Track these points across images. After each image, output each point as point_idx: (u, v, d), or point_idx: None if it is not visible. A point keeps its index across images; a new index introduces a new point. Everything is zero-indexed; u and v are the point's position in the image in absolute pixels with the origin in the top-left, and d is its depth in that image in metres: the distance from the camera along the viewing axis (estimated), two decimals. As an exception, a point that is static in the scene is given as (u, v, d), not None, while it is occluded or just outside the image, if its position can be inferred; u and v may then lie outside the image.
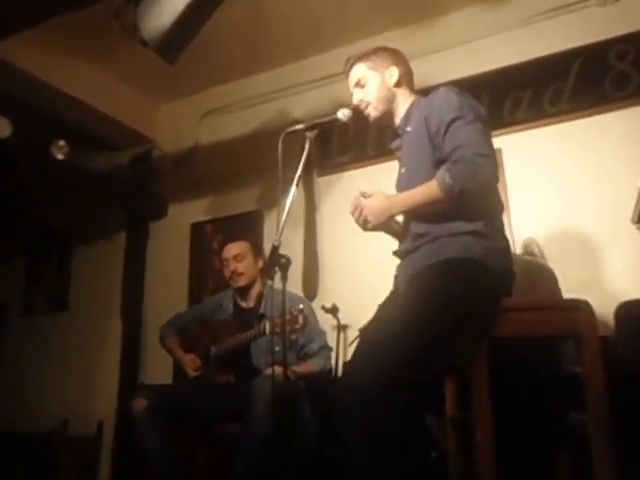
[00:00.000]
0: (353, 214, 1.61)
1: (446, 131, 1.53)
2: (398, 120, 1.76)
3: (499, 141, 2.68)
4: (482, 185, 1.47)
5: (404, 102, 1.75)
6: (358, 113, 1.78)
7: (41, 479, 3.22)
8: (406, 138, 1.72)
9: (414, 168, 1.67)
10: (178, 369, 2.72)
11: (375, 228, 1.60)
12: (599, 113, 2.60)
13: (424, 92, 1.74)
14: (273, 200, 3.13)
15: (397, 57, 1.79)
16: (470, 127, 1.51)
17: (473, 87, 2.74)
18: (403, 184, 1.71)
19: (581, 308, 1.58)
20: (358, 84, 1.77)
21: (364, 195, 1.61)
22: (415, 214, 1.59)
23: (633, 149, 2.48)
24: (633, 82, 2.55)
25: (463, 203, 1.48)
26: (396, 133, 1.79)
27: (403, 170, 1.74)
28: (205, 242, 3.45)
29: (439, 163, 1.56)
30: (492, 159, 1.50)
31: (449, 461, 1.85)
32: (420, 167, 1.62)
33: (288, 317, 2.10)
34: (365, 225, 1.58)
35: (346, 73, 1.81)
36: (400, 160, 1.78)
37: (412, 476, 1.32)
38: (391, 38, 3.01)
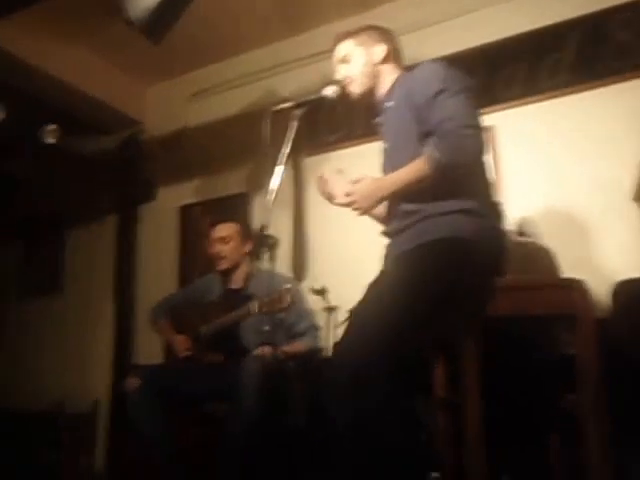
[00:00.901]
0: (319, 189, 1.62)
1: (431, 104, 1.50)
2: (382, 94, 1.72)
3: (493, 118, 2.63)
4: (470, 157, 1.45)
5: (389, 78, 1.72)
6: (344, 90, 1.75)
7: (42, 456, 3.28)
8: (388, 113, 1.69)
9: (397, 143, 1.64)
10: (169, 350, 2.72)
11: (366, 212, 1.57)
12: (598, 87, 2.50)
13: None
14: (262, 181, 3.09)
15: (386, 35, 1.76)
16: (455, 99, 1.48)
17: (467, 61, 2.67)
18: (387, 160, 1.69)
19: (576, 287, 1.55)
20: (343, 60, 1.75)
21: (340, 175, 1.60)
22: (405, 194, 1.55)
23: (633, 124, 2.38)
24: (635, 53, 2.44)
25: (453, 177, 1.45)
26: (379, 109, 1.75)
27: (386, 146, 1.71)
28: (194, 224, 3.44)
29: (424, 137, 1.53)
30: (478, 130, 1.47)
31: (438, 441, 1.84)
32: (403, 142, 1.59)
33: (275, 297, 2.10)
34: (358, 209, 1.54)
35: (333, 49, 1.78)
36: (383, 136, 1.74)
37: (400, 454, 1.31)
38: (384, 12, 2.95)
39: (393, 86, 1.69)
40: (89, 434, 3.34)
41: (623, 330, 1.57)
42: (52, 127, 3.09)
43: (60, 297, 3.87)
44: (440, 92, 1.49)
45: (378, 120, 1.77)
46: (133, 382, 2.31)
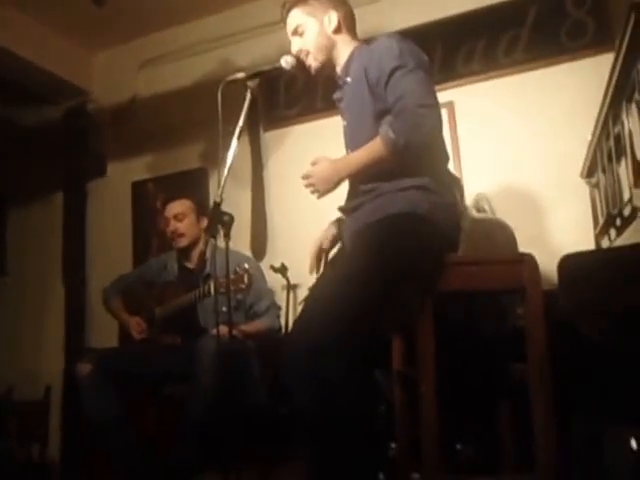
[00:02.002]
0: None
1: (387, 82, 1.47)
2: (339, 69, 1.68)
3: (452, 93, 2.65)
4: (427, 137, 1.43)
5: (345, 50, 1.66)
6: (301, 62, 1.69)
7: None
8: (346, 89, 1.66)
9: (355, 120, 1.61)
10: (124, 332, 2.67)
11: (324, 195, 1.55)
12: (553, 64, 2.55)
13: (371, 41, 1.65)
14: (220, 156, 3.01)
15: (336, 2, 1.69)
16: (411, 76, 1.46)
17: (425, 36, 2.65)
18: (347, 138, 1.66)
19: (525, 262, 1.59)
20: (296, 32, 1.68)
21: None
22: (363, 175, 1.53)
23: (585, 102, 2.40)
24: (589, 32, 2.49)
25: (409, 157, 1.43)
26: (337, 84, 1.71)
27: (345, 123, 1.68)
28: (147, 201, 3.33)
29: (381, 114, 1.51)
30: (435, 108, 1.46)
31: (396, 413, 1.88)
32: (361, 119, 1.57)
33: (233, 277, 2.06)
34: (316, 192, 1.52)
35: (283, 19, 1.70)
36: (342, 113, 1.71)
37: (359, 429, 1.32)
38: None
39: (350, 60, 1.65)
40: (41, 422, 3.25)
41: (565, 302, 1.64)
42: None
43: (6, 280, 3.70)
44: (395, 69, 1.46)
45: (337, 95, 1.73)
46: (84, 367, 2.25)
